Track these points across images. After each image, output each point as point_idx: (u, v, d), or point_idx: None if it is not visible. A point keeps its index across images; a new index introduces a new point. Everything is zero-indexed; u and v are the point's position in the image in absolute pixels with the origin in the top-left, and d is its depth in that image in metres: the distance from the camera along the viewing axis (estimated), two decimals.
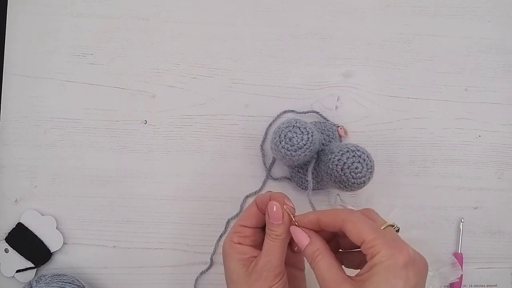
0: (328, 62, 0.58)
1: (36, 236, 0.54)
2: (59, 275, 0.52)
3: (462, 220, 0.57)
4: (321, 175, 0.51)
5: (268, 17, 0.58)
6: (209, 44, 0.58)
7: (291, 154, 0.48)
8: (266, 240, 0.42)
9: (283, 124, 0.49)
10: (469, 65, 0.59)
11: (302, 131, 0.48)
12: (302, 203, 0.56)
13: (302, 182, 0.54)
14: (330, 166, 0.48)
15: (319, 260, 0.38)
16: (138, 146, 0.56)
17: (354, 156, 0.48)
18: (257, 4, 0.58)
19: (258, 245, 0.44)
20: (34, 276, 0.54)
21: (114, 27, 0.57)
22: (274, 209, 0.42)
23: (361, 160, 0.48)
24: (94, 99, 0.56)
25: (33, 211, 0.55)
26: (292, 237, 0.42)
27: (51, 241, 0.55)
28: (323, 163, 0.50)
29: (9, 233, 0.54)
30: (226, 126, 0.57)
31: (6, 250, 0.54)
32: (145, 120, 0.57)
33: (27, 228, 0.54)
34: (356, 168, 0.47)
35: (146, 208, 0.56)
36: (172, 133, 0.57)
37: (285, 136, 0.48)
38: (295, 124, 0.48)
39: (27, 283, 0.51)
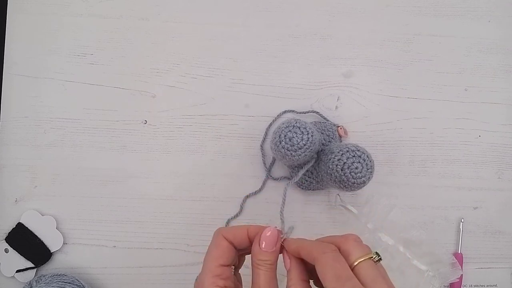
0: (328, 62, 0.58)
1: (36, 236, 0.54)
2: (59, 275, 0.52)
3: (462, 220, 0.57)
4: (321, 175, 0.51)
5: (268, 17, 0.58)
6: (209, 44, 0.58)
7: (291, 154, 0.48)
8: (257, 272, 0.39)
9: (283, 124, 0.49)
10: (469, 65, 0.59)
11: (302, 131, 0.48)
12: (302, 203, 0.57)
13: (302, 182, 0.54)
14: (330, 166, 0.48)
15: (291, 286, 0.37)
16: (138, 146, 0.56)
17: (354, 156, 0.48)
18: (257, 4, 0.58)
19: (238, 286, 0.41)
20: (34, 276, 0.54)
21: (114, 27, 0.57)
22: (269, 234, 0.39)
23: (361, 160, 0.48)
24: (94, 99, 0.56)
25: (33, 211, 0.55)
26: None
27: (51, 241, 0.54)
28: (323, 163, 0.50)
29: (9, 233, 0.54)
30: (226, 126, 0.57)
31: (6, 250, 0.54)
32: (145, 120, 0.57)
33: (27, 228, 0.54)
34: (356, 168, 0.47)
35: (146, 208, 0.56)
36: (172, 133, 0.57)
37: (285, 136, 0.48)
38: (295, 124, 0.48)
39: (27, 283, 0.51)
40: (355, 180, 0.48)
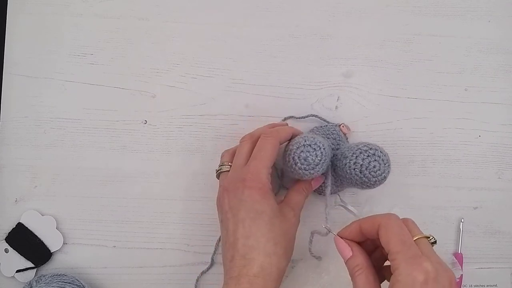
0: (328, 62, 0.58)
1: (36, 236, 0.54)
2: (59, 275, 0.52)
3: (462, 220, 0.57)
4: (340, 180, 0.51)
5: (268, 17, 0.58)
6: (209, 44, 0.58)
7: (310, 173, 0.47)
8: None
9: (292, 145, 0.48)
10: (469, 65, 0.59)
11: (315, 148, 0.47)
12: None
13: (319, 187, 0.53)
14: (348, 171, 0.48)
15: (358, 276, 0.38)
16: (138, 146, 0.56)
17: (368, 156, 0.47)
18: (257, 4, 0.58)
19: None
20: (34, 276, 0.54)
21: (114, 27, 0.57)
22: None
23: (376, 158, 0.47)
24: (94, 99, 0.56)
25: (33, 211, 0.55)
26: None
27: (51, 241, 0.55)
28: (339, 168, 0.50)
29: (9, 233, 0.54)
30: (226, 126, 0.57)
31: (6, 250, 0.54)
32: (145, 120, 0.57)
33: (27, 228, 0.54)
34: (374, 167, 0.47)
35: (146, 208, 0.56)
36: (172, 133, 0.57)
37: (298, 157, 0.47)
38: (305, 143, 0.47)
39: (27, 283, 0.51)
40: (376, 179, 0.47)
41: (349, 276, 0.40)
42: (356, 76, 0.58)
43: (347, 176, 0.49)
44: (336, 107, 0.58)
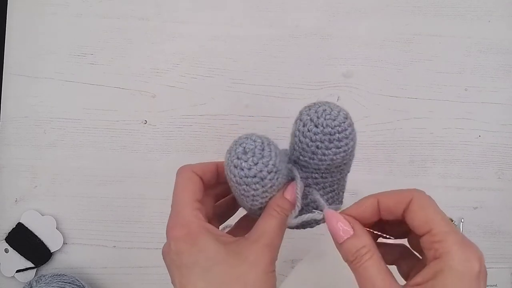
0: (328, 62, 0.58)
1: (36, 236, 0.54)
2: (59, 275, 0.52)
3: (462, 220, 0.57)
4: (308, 168, 0.35)
5: (268, 17, 0.58)
6: (209, 44, 0.58)
7: (261, 185, 0.32)
8: (267, 217, 0.33)
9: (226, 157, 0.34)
10: (469, 65, 0.59)
11: (252, 149, 0.33)
12: None
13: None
14: (298, 140, 0.34)
15: (367, 260, 0.29)
16: (138, 146, 0.56)
17: (312, 107, 0.34)
18: (257, 4, 0.58)
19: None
20: (34, 276, 0.54)
21: (114, 27, 0.57)
22: (298, 188, 0.33)
23: (322, 104, 0.34)
24: (94, 99, 0.56)
25: (33, 211, 0.55)
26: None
27: (51, 241, 0.55)
28: (296, 152, 0.35)
29: (9, 233, 0.54)
30: (226, 126, 0.57)
31: (6, 250, 0.54)
32: (145, 120, 0.57)
33: (27, 228, 0.54)
34: (325, 110, 0.33)
35: (146, 208, 0.56)
36: (172, 133, 0.57)
37: (235, 167, 0.32)
38: (236, 145, 0.34)
39: (27, 283, 0.51)
40: (337, 128, 0.33)
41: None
42: (356, 76, 0.58)
43: (302, 150, 0.34)
44: None
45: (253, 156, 0.32)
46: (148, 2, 0.58)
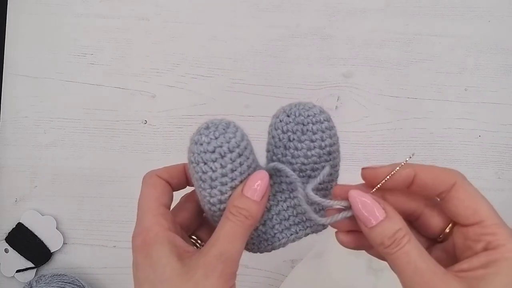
0: (328, 62, 0.58)
1: (36, 236, 0.54)
2: (59, 275, 0.52)
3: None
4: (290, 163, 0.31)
5: (268, 17, 0.58)
6: (209, 44, 0.58)
7: (221, 173, 0.29)
8: (223, 221, 0.28)
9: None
10: (469, 65, 0.59)
11: (209, 130, 0.30)
12: None
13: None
14: (274, 136, 0.32)
15: (406, 244, 0.26)
16: (138, 146, 0.56)
17: (290, 105, 0.31)
18: (257, 4, 0.58)
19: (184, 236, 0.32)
20: (34, 276, 0.54)
21: (114, 27, 0.57)
22: (260, 180, 0.29)
23: (300, 104, 0.31)
24: (94, 99, 0.56)
25: (33, 211, 0.55)
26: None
27: (51, 241, 0.54)
28: (275, 148, 0.32)
29: (9, 233, 0.54)
30: None
31: (6, 250, 0.54)
32: (145, 120, 0.57)
33: (27, 228, 0.54)
34: (299, 103, 0.31)
35: None
36: (172, 133, 0.57)
37: (193, 155, 0.30)
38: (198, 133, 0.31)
39: (27, 283, 0.51)
40: (311, 118, 0.30)
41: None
42: (356, 76, 0.58)
43: (275, 148, 0.31)
44: (336, 107, 0.58)
45: (215, 131, 0.29)
46: (148, 2, 0.58)
